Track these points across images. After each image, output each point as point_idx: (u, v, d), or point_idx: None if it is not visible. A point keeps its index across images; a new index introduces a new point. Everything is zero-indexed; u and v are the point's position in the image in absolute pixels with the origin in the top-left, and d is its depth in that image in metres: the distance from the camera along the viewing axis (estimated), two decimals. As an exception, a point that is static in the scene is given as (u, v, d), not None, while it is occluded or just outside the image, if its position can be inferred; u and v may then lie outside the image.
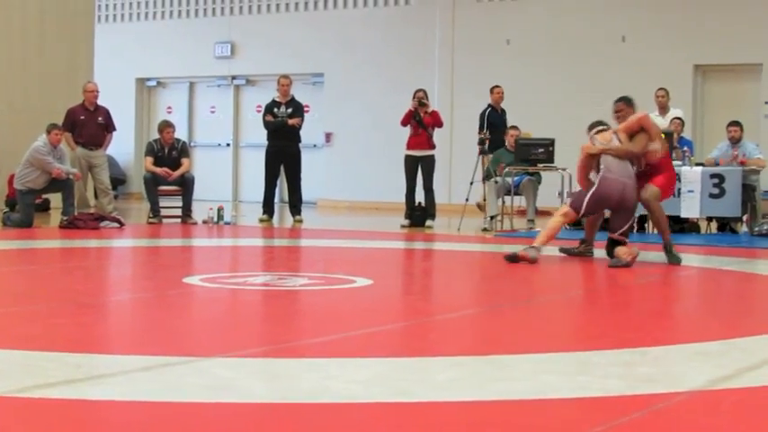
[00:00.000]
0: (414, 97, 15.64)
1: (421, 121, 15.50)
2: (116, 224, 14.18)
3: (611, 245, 10.02)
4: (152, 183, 15.50)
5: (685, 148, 14.26)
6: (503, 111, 16.28)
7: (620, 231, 9.99)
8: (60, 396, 4.12)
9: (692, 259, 10.58)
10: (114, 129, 15.75)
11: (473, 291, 8.79)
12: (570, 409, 4.12)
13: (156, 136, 16.18)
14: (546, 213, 16.93)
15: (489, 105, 16.24)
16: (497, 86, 16.33)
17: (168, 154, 15.70)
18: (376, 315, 6.78)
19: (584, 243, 10.72)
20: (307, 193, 17.63)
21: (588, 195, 10.07)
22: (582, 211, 10.23)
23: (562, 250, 10.81)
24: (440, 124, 15.90)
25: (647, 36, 18.93)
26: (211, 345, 5.52)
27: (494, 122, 15.93)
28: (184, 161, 15.77)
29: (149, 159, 15.67)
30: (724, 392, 4.42)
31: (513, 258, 9.88)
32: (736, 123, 14.47)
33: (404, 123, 15.68)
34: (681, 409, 4.13)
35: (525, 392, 4.30)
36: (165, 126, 15.90)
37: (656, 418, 3.96)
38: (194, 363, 4.81)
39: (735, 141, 14.35)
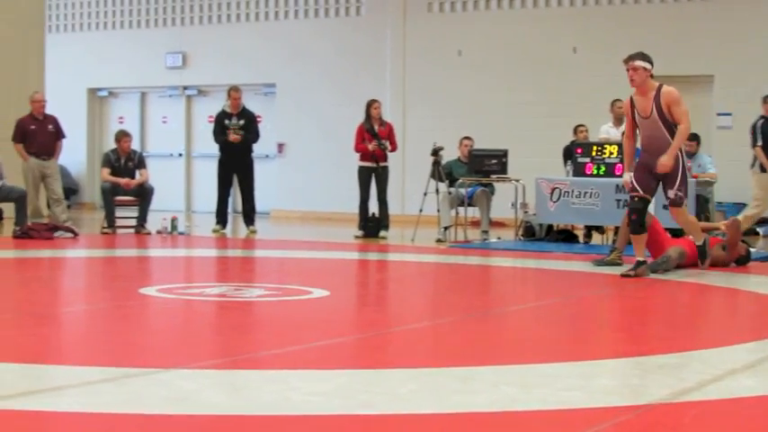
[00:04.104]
0: (368, 107, 15.47)
1: (376, 135, 15.36)
2: (70, 234, 14.11)
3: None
4: (110, 192, 15.47)
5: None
6: None
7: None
8: (20, 408, 4.10)
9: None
10: (64, 136, 15.70)
11: (429, 302, 8.79)
12: (531, 421, 4.12)
13: (111, 146, 16.20)
14: (499, 224, 17.03)
15: (762, 117, 14.57)
16: None
17: (125, 164, 15.71)
18: (334, 326, 6.79)
19: (614, 251, 10.95)
20: (260, 203, 17.59)
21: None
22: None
23: (595, 263, 10.94)
24: (394, 146, 15.70)
25: (598, 47, 19.02)
26: (170, 356, 5.50)
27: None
28: (143, 171, 15.79)
29: (106, 170, 15.66)
30: (686, 405, 4.41)
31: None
32: (692, 138, 14.62)
33: (358, 149, 15.54)
34: (643, 421, 4.12)
35: (485, 405, 4.30)
36: (123, 136, 15.89)
37: (620, 431, 3.95)
38: (154, 374, 4.79)
39: (690, 155, 14.50)
